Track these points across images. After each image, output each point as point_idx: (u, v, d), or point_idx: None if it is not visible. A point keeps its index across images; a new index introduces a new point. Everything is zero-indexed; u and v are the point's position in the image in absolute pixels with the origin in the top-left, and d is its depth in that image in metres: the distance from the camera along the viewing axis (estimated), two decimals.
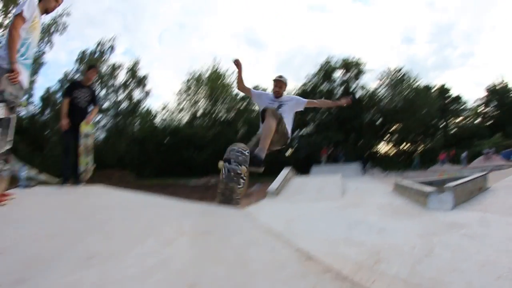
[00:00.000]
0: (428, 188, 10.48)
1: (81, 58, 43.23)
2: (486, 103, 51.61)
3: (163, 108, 49.90)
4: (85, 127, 6.74)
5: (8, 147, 3.75)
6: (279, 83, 6.22)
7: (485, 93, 52.05)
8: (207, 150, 41.80)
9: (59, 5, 4.57)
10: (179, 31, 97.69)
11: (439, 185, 10.78)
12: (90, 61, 41.76)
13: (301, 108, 6.52)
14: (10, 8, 30.40)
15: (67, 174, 6.55)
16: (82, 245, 2.29)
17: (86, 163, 6.67)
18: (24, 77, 4.09)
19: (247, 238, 2.67)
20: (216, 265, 1.97)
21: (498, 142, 37.03)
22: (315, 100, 6.89)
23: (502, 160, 29.91)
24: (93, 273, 1.76)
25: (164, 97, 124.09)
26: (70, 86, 7.31)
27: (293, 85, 56.60)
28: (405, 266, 5.46)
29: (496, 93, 50.73)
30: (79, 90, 6.87)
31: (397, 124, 45.69)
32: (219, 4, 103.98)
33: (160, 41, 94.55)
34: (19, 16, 3.96)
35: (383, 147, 49.30)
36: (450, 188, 9.87)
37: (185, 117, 49.78)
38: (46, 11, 4.52)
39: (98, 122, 40.93)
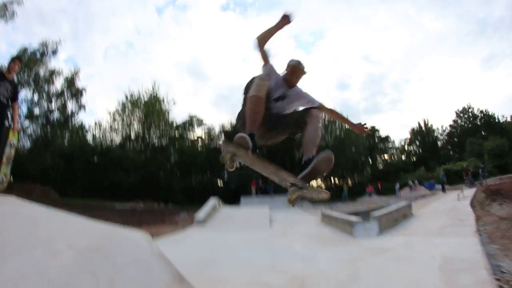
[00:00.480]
0: (354, 218, 10.67)
1: (21, 55, 39.49)
2: (410, 143, 57.75)
3: (96, 126, 46.90)
4: (12, 136, 5.96)
5: None
6: (297, 70, 4.09)
7: (409, 134, 58.70)
8: (137, 174, 39.99)
9: None
10: (125, 49, 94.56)
11: (366, 215, 11.06)
12: (29, 60, 38.45)
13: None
14: None
15: None
16: None
17: (5, 174, 5.85)
18: None
19: (131, 257, 2.70)
20: (87, 277, 2.13)
21: (422, 175, 40.70)
22: (331, 108, 4.51)
23: (425, 190, 32.46)
24: None
25: (99, 114, 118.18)
26: None
27: (228, 120, 56.77)
28: None
29: (419, 134, 57.06)
30: (1, 82, 6.02)
31: None
32: (171, 31, 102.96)
33: (105, 55, 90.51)
34: None
35: (313, 181, 50.05)
36: (375, 216, 10.14)
37: (117, 138, 46.95)
38: None
39: (24, 130, 37.40)
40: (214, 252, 8.32)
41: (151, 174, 41.32)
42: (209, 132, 49.76)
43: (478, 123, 55.29)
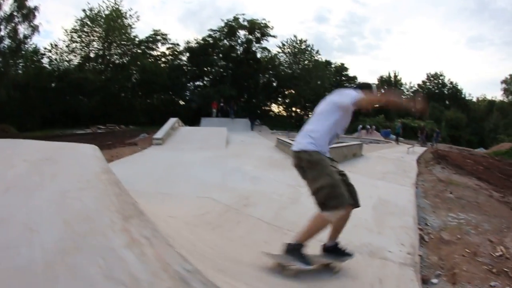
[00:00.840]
0: None
1: None
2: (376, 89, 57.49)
3: (52, 48, 42.59)
4: None
5: None
6: None
7: (377, 81, 58.51)
8: (96, 97, 38.35)
9: None
10: None
11: None
12: None
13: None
14: None
15: None
16: None
17: None
18: None
19: (73, 161, 3.04)
20: (34, 177, 2.46)
21: (380, 122, 41.68)
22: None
23: (381, 137, 33.47)
24: None
25: (55, 35, 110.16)
26: None
27: (194, 37, 54.66)
28: (270, 210, 5.75)
29: (386, 83, 57.20)
30: None
31: (291, 90, 47.46)
32: None
33: None
34: None
35: (274, 108, 50.78)
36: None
37: (75, 59, 43.12)
38: None
39: None
40: (170, 171, 8.76)
41: (112, 96, 39.86)
42: (173, 49, 47.83)
43: (446, 92, 56.98)
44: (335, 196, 3.33)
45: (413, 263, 4.10)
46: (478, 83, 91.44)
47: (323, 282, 3.45)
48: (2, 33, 35.22)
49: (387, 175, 9.75)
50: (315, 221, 3.52)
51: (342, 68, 54.60)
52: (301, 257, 3.46)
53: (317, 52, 48.52)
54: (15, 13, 35.93)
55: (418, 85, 58.80)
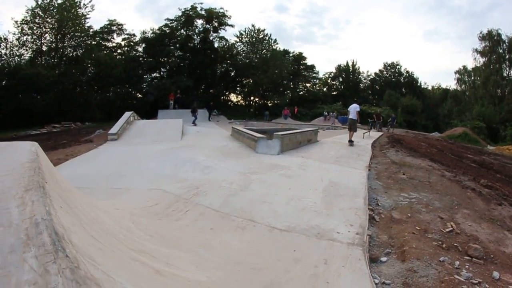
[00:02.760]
0: (258, 135, 11.08)
1: None
2: (334, 78, 59.19)
3: (2, 42, 39.79)
4: None
5: None
6: None
7: (335, 70, 59.12)
8: (50, 93, 36.32)
9: None
10: None
11: (271, 134, 11.44)
12: None
13: None
14: None
15: None
16: None
17: None
18: None
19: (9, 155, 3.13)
20: None
21: (338, 109, 42.11)
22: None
23: (339, 123, 33.92)
24: None
25: (5, 27, 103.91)
26: None
27: (151, 27, 53.60)
28: (219, 198, 5.71)
29: (344, 72, 58.47)
30: None
31: (249, 79, 47.36)
32: None
33: None
34: None
35: (233, 98, 50.55)
36: (278, 136, 10.56)
37: (27, 54, 41.07)
38: None
39: None
40: (123, 166, 8.61)
41: (67, 91, 37.33)
42: (129, 40, 46.18)
43: (402, 80, 58.91)
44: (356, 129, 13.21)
45: (361, 242, 4.14)
46: (433, 73, 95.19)
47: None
48: None
49: (341, 159, 9.85)
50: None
51: (300, 57, 55.07)
52: None
53: (275, 41, 48.81)
54: None
55: (375, 73, 60.39)
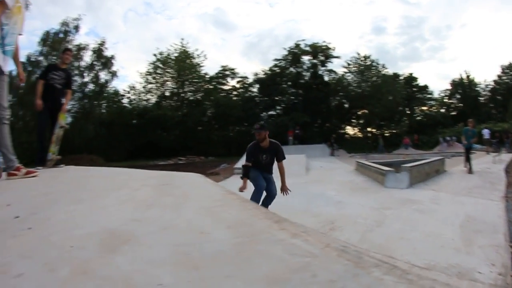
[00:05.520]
0: (386, 168, 10.92)
1: (45, 39, 39.83)
2: (450, 96, 52.54)
3: (131, 89, 47.04)
4: (62, 118, 6.65)
5: None
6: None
7: (450, 86, 53.02)
8: (175, 131, 41.40)
9: None
10: (144, 10, 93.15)
11: (397, 166, 11.14)
12: (54, 42, 39.13)
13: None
14: None
15: (42, 157, 6.40)
16: (71, 195, 2.95)
17: (53, 152, 6.55)
18: (5, 62, 4.02)
19: (192, 185, 3.47)
20: (167, 197, 2.77)
21: (460, 131, 37.09)
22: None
23: (462, 148, 30.34)
24: (84, 206, 2.46)
25: (131, 78, 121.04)
26: (46, 68, 7.18)
27: (260, 68, 56.08)
28: (356, 233, 5.91)
29: (460, 87, 51.55)
30: (55, 73, 6.70)
31: (363, 110, 46.12)
32: None
33: (125, 20, 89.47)
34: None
35: (349, 130, 49.56)
36: (406, 168, 10.32)
37: (152, 98, 47.54)
38: None
39: (70, 110, 38.07)
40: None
41: (189, 129, 42.17)
42: (243, 81, 49.44)
43: None
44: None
45: (504, 284, 3.95)
46: None
47: None
48: (86, 79, 41.46)
49: (473, 189, 9.38)
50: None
51: (411, 79, 51.49)
52: None
53: (383, 66, 47.18)
54: (95, 63, 42.27)
55: (494, 81, 50.70)
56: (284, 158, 6.63)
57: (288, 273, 1.20)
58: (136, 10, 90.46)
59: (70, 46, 35.11)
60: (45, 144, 6.47)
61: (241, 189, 5.89)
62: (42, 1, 64.62)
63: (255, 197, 6.04)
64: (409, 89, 49.10)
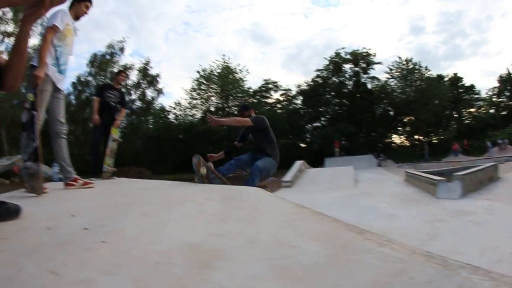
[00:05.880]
0: (437, 177, 10.62)
1: (93, 61, 43.91)
2: (499, 94, 49.85)
3: (176, 105, 50.43)
4: (115, 132, 7.20)
5: (34, 144, 3.80)
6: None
7: (497, 83, 50.31)
8: (222, 144, 42.29)
9: (89, 10, 4.82)
10: (184, 30, 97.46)
11: (449, 175, 10.79)
12: (101, 63, 43.16)
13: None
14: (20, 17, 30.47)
15: (95, 169, 6.92)
16: (134, 208, 2.97)
17: (108, 164, 7.02)
18: (61, 80, 4.46)
19: (259, 199, 3.50)
20: (238, 211, 2.76)
21: None
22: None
23: None
24: (153, 220, 2.48)
25: (175, 94, 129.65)
26: (102, 87, 8.01)
27: (303, 79, 56.41)
28: None
29: (508, 83, 48.89)
30: (110, 91, 7.39)
31: (409, 117, 45.33)
32: (223, 1, 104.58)
33: (166, 40, 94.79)
34: (51, 28, 4.18)
35: (396, 139, 48.95)
36: (458, 177, 10.00)
37: (198, 114, 50.13)
38: (77, 17, 4.72)
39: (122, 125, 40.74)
40: None
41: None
42: (286, 94, 50.13)
43: None
44: None
45: None
46: None
47: None
48: (134, 97, 44.25)
49: None
50: None
51: (456, 79, 49.85)
52: None
53: (426, 68, 46.28)
54: (141, 81, 46.67)
55: None
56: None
57: (389, 277, 1.29)
58: (176, 30, 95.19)
59: (121, 68, 37.81)
60: (97, 156, 7.05)
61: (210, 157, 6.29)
62: (88, 27, 70.00)
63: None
64: (455, 91, 47.75)
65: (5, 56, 2.33)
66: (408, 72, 45.62)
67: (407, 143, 47.75)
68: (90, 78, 43.63)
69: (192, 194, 3.92)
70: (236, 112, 47.39)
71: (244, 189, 4.22)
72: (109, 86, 7.63)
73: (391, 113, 46.86)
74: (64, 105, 4.69)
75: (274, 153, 6.27)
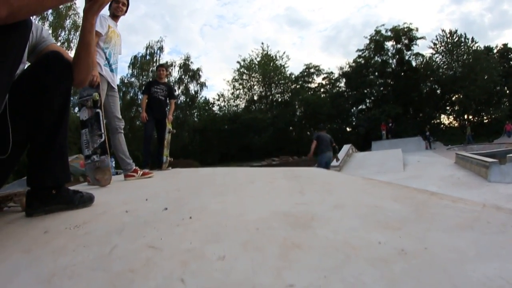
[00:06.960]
0: (489, 159, 10.27)
1: (133, 63, 46.22)
2: None
3: (219, 97, 51.64)
4: (169, 125, 7.73)
5: (101, 140, 3.99)
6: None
7: None
8: (267, 132, 43.19)
9: (121, 4, 4.96)
10: (218, 23, 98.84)
11: (502, 157, 10.35)
12: (142, 64, 45.15)
13: None
14: (59, 32, 31.94)
15: (148, 160, 7.29)
16: (207, 189, 3.05)
17: (166, 155, 7.58)
18: (114, 79, 4.88)
19: (326, 175, 3.56)
20: (312, 185, 2.74)
21: None
22: None
23: None
24: (229, 197, 2.47)
25: (217, 87, 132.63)
26: (148, 84, 8.39)
27: (345, 61, 55.39)
28: None
29: None
30: (156, 86, 7.81)
31: (458, 95, 42.70)
32: None
33: (202, 35, 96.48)
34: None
35: (444, 119, 46.50)
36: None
37: (242, 104, 51.27)
38: (114, 15, 4.97)
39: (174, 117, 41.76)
40: None
41: (281, 130, 44.49)
42: (329, 77, 49.89)
43: None
44: None
45: None
46: None
47: None
48: (177, 92, 44.86)
49: None
50: None
51: (506, 50, 45.51)
52: None
53: (473, 40, 43.36)
54: (183, 76, 48.13)
55: None
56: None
57: (470, 222, 1.47)
58: (211, 24, 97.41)
59: (161, 63, 39.27)
60: (150, 149, 7.58)
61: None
62: (124, 32, 72.19)
63: None
64: (505, 64, 43.65)
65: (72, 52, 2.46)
66: (454, 45, 43.37)
67: (456, 124, 45.09)
68: (133, 79, 45.95)
69: (258, 175, 3.95)
70: (280, 100, 47.91)
71: (306, 169, 4.42)
72: (155, 82, 8.06)
73: (438, 91, 44.87)
74: (119, 102, 5.15)
75: None
